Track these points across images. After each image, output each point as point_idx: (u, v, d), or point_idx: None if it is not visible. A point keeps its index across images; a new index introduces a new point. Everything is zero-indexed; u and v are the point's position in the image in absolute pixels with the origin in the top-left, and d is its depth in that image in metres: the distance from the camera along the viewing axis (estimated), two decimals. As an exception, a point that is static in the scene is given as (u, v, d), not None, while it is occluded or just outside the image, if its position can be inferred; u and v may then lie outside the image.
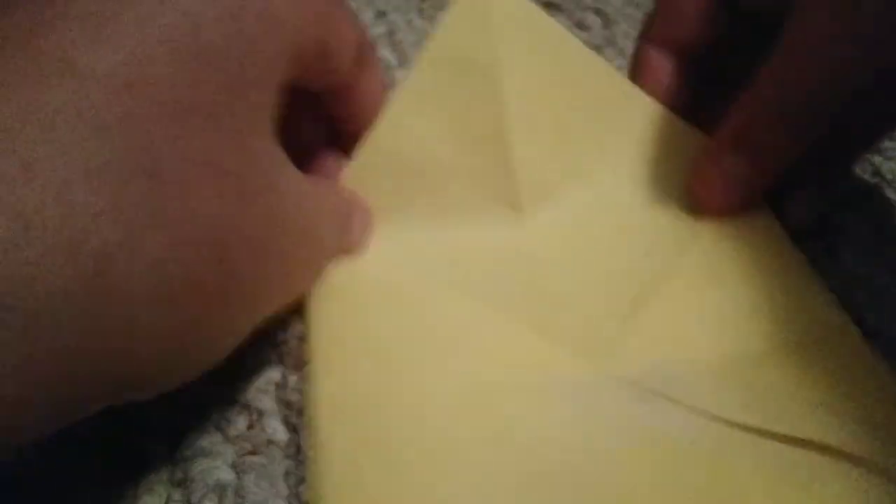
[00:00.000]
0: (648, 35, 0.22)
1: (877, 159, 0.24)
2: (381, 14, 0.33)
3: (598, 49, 0.30)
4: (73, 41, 0.10)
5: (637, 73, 0.22)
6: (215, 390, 0.17)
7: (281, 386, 0.17)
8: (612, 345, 0.16)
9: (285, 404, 0.17)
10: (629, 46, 0.31)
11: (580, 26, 0.32)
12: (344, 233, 0.17)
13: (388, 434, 0.14)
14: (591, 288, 0.17)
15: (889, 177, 0.24)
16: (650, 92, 0.21)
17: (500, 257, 0.18)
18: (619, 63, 0.29)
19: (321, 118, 0.18)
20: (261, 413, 0.17)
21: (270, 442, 0.16)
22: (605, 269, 0.18)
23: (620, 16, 0.33)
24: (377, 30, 0.32)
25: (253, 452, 0.16)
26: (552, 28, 0.20)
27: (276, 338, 0.18)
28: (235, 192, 0.12)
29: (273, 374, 0.17)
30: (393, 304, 0.16)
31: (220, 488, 0.15)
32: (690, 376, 0.15)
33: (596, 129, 0.20)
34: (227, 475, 0.15)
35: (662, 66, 0.21)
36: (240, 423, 0.16)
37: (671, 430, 0.14)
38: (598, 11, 0.33)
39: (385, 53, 0.30)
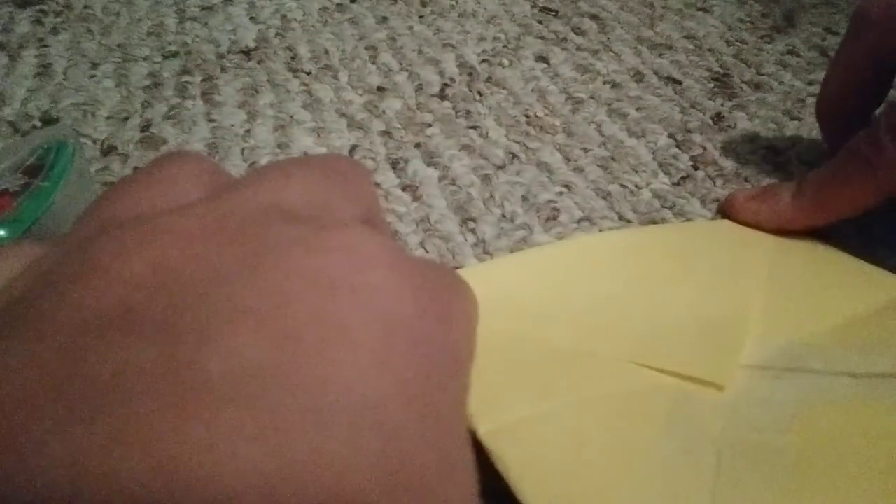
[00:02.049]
0: None
1: None
2: (382, 20, 0.34)
3: (593, 54, 0.31)
4: None
5: None
6: None
7: None
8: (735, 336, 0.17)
9: None
10: (625, 51, 0.31)
11: (576, 31, 0.33)
12: None
13: None
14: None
15: None
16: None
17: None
18: (615, 67, 0.30)
19: None
20: None
21: None
22: None
23: (616, 21, 0.34)
24: (378, 35, 0.32)
25: None
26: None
27: None
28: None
29: None
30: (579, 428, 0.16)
31: None
32: (815, 346, 0.17)
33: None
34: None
35: None
36: None
37: (823, 395, 0.16)
38: (593, 17, 0.34)
39: (386, 58, 0.31)
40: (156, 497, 0.07)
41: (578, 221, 0.23)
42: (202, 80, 0.29)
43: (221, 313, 0.08)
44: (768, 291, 0.19)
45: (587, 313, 0.18)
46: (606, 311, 0.18)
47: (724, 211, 0.23)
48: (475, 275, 0.18)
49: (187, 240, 0.09)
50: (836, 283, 0.19)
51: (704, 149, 0.26)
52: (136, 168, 0.25)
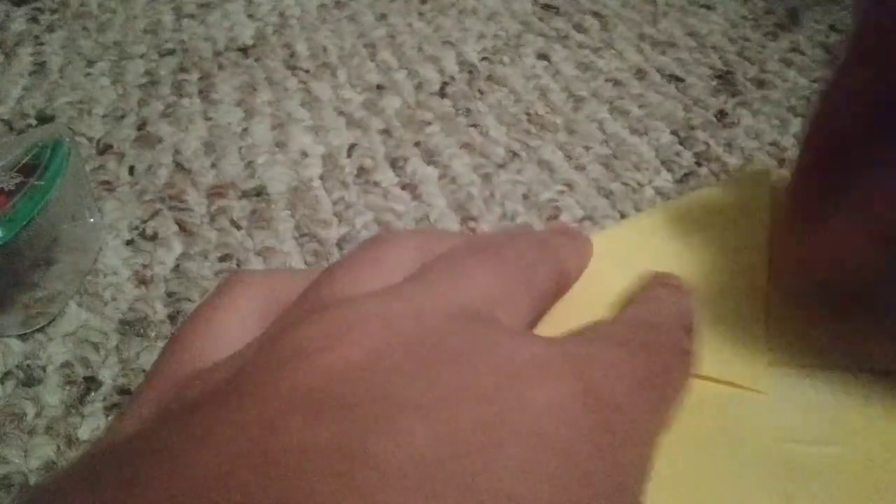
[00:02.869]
0: None
1: None
2: (381, 17, 0.33)
3: (595, 51, 0.31)
4: None
5: None
6: None
7: None
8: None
9: None
10: (627, 48, 0.31)
11: (578, 28, 0.32)
12: None
13: None
14: None
15: None
16: None
17: None
18: (617, 65, 0.30)
19: None
20: None
21: None
22: None
23: (619, 18, 0.33)
24: (378, 32, 0.32)
25: None
26: None
27: None
28: None
29: None
30: None
31: None
32: (837, 342, 0.17)
33: None
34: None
35: None
36: None
37: (851, 395, 0.15)
38: (595, 14, 0.33)
39: (385, 56, 0.30)
40: None
41: (580, 220, 0.22)
42: (199, 78, 0.29)
43: (401, 405, 0.09)
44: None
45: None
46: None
47: None
48: None
49: (377, 338, 0.10)
50: None
51: (707, 146, 0.25)
52: (131, 168, 0.25)
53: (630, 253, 0.20)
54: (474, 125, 0.26)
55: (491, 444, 0.09)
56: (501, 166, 0.25)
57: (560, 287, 0.14)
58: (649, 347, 0.12)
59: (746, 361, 0.17)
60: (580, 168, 0.25)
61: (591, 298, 0.19)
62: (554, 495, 0.09)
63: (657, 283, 0.15)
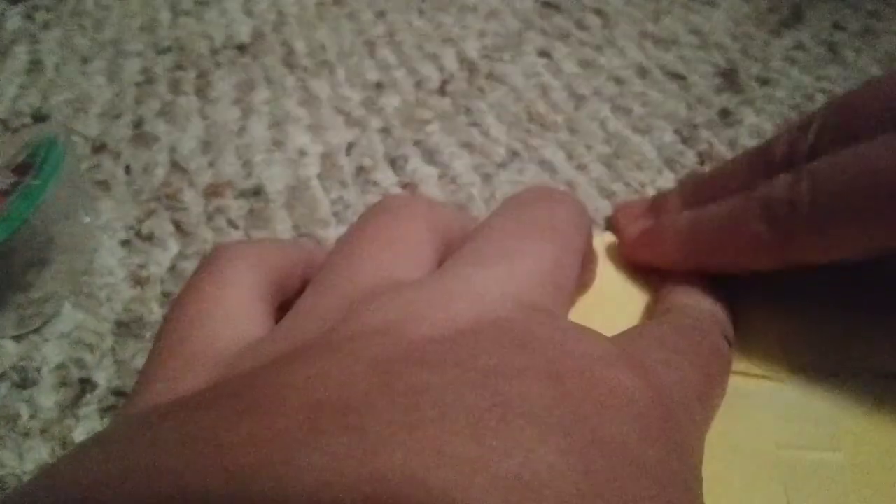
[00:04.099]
0: None
1: None
2: (380, 14, 0.33)
3: (597, 49, 0.30)
4: None
5: None
6: None
7: None
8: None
9: None
10: (629, 46, 0.31)
11: (579, 26, 0.32)
12: None
13: None
14: None
15: None
16: None
17: None
18: (618, 63, 0.29)
19: None
20: None
21: None
22: None
23: (620, 16, 0.33)
24: (377, 30, 0.32)
25: None
26: None
27: None
28: None
29: None
30: None
31: None
32: (833, 346, 0.17)
33: None
34: None
35: None
36: None
37: (854, 399, 0.15)
38: (597, 11, 0.33)
39: (385, 54, 0.30)
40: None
41: (582, 221, 0.22)
42: (196, 76, 0.29)
43: (514, 365, 0.09)
44: (768, 289, 0.18)
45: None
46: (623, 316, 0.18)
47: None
48: None
49: (465, 314, 0.10)
50: (832, 276, 0.19)
51: (711, 145, 0.25)
52: (127, 167, 0.25)
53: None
54: (475, 124, 0.26)
55: (593, 410, 0.09)
56: (502, 166, 0.24)
57: (589, 249, 0.15)
58: (699, 353, 0.12)
59: (762, 352, 0.17)
60: (582, 168, 0.24)
61: (610, 294, 0.19)
62: (621, 479, 0.09)
63: (689, 285, 0.15)
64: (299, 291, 0.12)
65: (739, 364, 0.17)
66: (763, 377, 0.16)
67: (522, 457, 0.08)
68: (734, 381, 0.16)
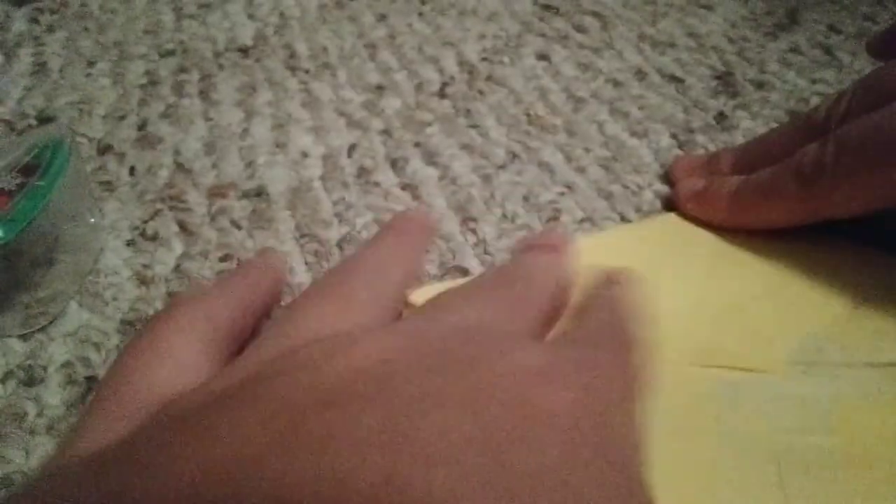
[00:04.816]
0: None
1: None
2: (381, 17, 0.33)
3: (595, 52, 0.31)
4: None
5: None
6: None
7: None
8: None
9: None
10: (627, 49, 0.31)
11: (578, 29, 0.32)
12: None
13: None
14: None
15: None
16: None
17: None
18: (616, 65, 0.30)
19: None
20: None
21: None
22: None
23: (618, 19, 0.33)
24: (378, 33, 0.32)
25: None
26: None
27: None
28: None
29: None
30: None
31: None
32: (829, 337, 0.17)
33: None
34: None
35: None
36: None
37: (852, 390, 0.16)
38: (595, 14, 0.33)
39: (386, 56, 0.31)
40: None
41: (580, 222, 0.23)
42: (199, 79, 0.29)
43: (430, 395, 0.10)
44: (765, 285, 0.19)
45: None
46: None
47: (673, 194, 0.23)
48: None
49: (388, 344, 0.11)
50: (827, 270, 0.19)
51: (707, 149, 0.26)
52: (132, 168, 0.25)
53: (630, 254, 0.20)
54: (474, 126, 0.26)
55: (513, 438, 0.09)
56: (501, 167, 0.25)
57: (562, 301, 0.15)
58: (623, 346, 0.13)
59: (758, 344, 0.17)
60: (580, 170, 0.25)
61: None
62: (566, 483, 0.09)
63: (610, 282, 0.16)
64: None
65: (736, 356, 0.17)
66: (759, 370, 0.17)
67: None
68: (730, 373, 0.17)
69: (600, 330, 0.14)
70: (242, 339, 0.14)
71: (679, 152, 0.25)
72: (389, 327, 0.12)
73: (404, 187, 0.24)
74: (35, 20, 0.33)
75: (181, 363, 0.12)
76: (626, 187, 0.24)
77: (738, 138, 0.26)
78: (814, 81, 0.29)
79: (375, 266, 0.15)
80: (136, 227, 0.23)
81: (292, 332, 0.12)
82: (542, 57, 0.30)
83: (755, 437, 0.15)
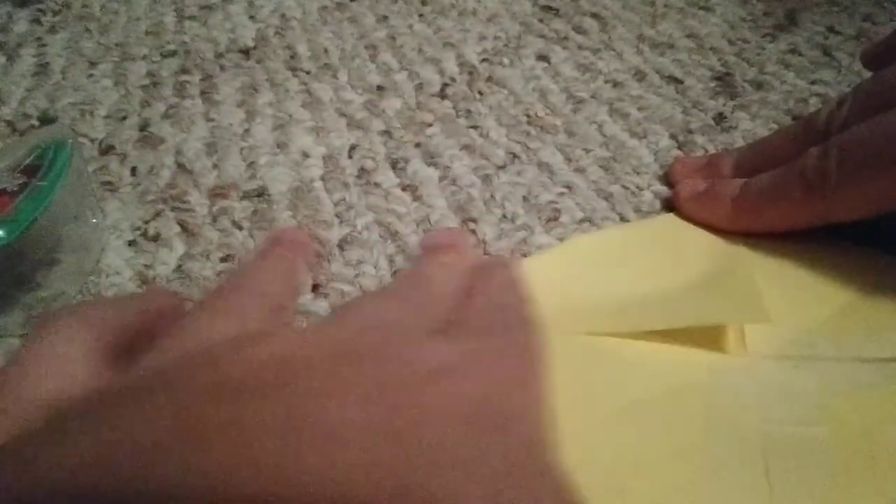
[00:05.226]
0: None
1: None
2: (382, 18, 0.33)
3: (595, 53, 0.31)
4: None
5: None
6: None
7: None
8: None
9: None
10: (626, 50, 0.31)
11: (577, 30, 0.33)
12: None
13: None
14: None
15: None
16: None
17: None
18: (616, 66, 0.30)
19: None
20: None
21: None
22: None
23: (618, 20, 0.33)
24: (378, 34, 0.32)
25: None
26: None
27: None
28: None
29: None
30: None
31: None
32: (822, 332, 0.17)
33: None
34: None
35: None
36: None
37: (841, 384, 0.16)
38: (595, 15, 0.34)
39: (386, 57, 0.31)
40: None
41: (580, 222, 0.23)
42: (201, 80, 0.29)
43: (334, 385, 0.10)
44: (762, 280, 0.19)
45: (599, 309, 0.18)
46: (623, 301, 0.18)
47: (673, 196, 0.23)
48: None
49: (289, 342, 0.11)
50: (823, 268, 0.19)
51: (706, 150, 0.26)
52: (134, 168, 0.25)
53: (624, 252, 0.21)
54: (474, 126, 0.27)
55: (415, 422, 0.10)
56: (501, 168, 0.25)
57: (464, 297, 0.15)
58: (517, 328, 0.14)
59: (742, 336, 0.17)
60: (580, 170, 0.25)
61: (605, 289, 0.19)
62: (459, 475, 0.09)
63: (491, 266, 0.16)
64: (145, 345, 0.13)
65: (728, 342, 0.17)
66: (750, 358, 0.17)
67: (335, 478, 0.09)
68: (721, 362, 0.17)
69: (492, 315, 0.14)
70: (131, 353, 0.14)
71: (678, 153, 0.25)
72: (291, 326, 0.12)
73: (405, 188, 0.24)
74: (37, 21, 0.33)
75: (66, 369, 0.12)
76: (625, 188, 0.24)
77: (738, 139, 0.26)
78: (813, 82, 0.29)
79: (260, 280, 0.15)
80: (138, 228, 0.23)
81: (188, 340, 0.12)
82: (542, 58, 0.30)
83: (743, 426, 0.15)
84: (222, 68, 0.30)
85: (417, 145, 0.26)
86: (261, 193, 0.24)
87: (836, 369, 0.17)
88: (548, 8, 0.34)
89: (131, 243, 0.22)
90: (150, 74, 0.30)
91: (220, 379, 0.10)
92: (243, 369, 0.10)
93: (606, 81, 0.29)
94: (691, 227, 0.22)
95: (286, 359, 0.10)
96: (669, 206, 0.23)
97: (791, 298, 0.19)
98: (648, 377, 0.16)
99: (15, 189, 0.20)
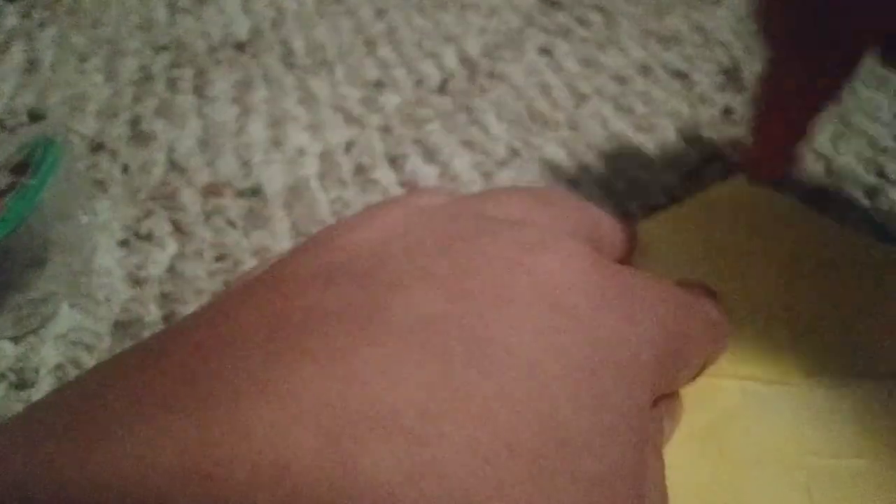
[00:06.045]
0: None
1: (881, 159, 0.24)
2: (380, 12, 0.33)
3: (599, 47, 0.30)
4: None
5: None
6: None
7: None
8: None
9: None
10: (631, 45, 0.31)
11: (581, 23, 0.32)
12: None
13: None
14: None
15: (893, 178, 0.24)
16: None
17: None
18: (621, 61, 0.29)
19: None
20: None
21: None
22: None
23: (622, 13, 0.33)
24: (376, 28, 0.32)
25: None
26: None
27: None
28: None
29: None
30: None
31: None
32: (854, 349, 0.17)
33: None
34: None
35: None
36: None
37: (870, 405, 0.16)
38: (599, 8, 0.33)
39: (384, 52, 0.30)
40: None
41: (583, 220, 0.22)
42: (194, 75, 0.29)
43: (414, 273, 0.10)
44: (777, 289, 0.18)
45: None
46: None
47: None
48: None
49: (396, 220, 0.11)
50: (849, 280, 0.19)
51: (713, 144, 0.25)
52: (125, 166, 0.24)
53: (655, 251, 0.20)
54: (475, 122, 0.26)
55: (499, 303, 0.09)
56: (502, 164, 0.24)
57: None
58: (676, 311, 0.13)
59: (773, 359, 0.17)
60: (583, 166, 0.24)
61: None
62: (556, 348, 0.09)
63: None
64: None
65: (759, 369, 0.16)
66: (783, 383, 0.16)
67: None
68: (754, 386, 0.16)
69: (657, 285, 0.13)
70: None
71: (685, 147, 0.25)
72: (412, 205, 0.12)
73: (403, 185, 0.23)
74: (27, 15, 0.33)
75: None
76: (631, 183, 0.23)
77: (746, 133, 0.26)
78: (821, 76, 0.28)
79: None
80: (130, 227, 0.22)
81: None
82: (545, 52, 0.30)
83: (785, 461, 0.15)
84: (216, 63, 0.29)
85: (416, 141, 0.25)
86: (255, 191, 0.23)
87: (869, 390, 0.16)
88: (550, 1, 0.34)
89: (123, 243, 0.22)
90: (141, 69, 0.29)
91: (320, 262, 0.10)
92: (343, 252, 0.11)
93: (610, 76, 0.28)
94: (691, 227, 0.21)
95: (385, 242, 0.11)
96: (676, 201, 0.23)
97: (816, 313, 0.18)
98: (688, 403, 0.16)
99: (3, 188, 0.20)
